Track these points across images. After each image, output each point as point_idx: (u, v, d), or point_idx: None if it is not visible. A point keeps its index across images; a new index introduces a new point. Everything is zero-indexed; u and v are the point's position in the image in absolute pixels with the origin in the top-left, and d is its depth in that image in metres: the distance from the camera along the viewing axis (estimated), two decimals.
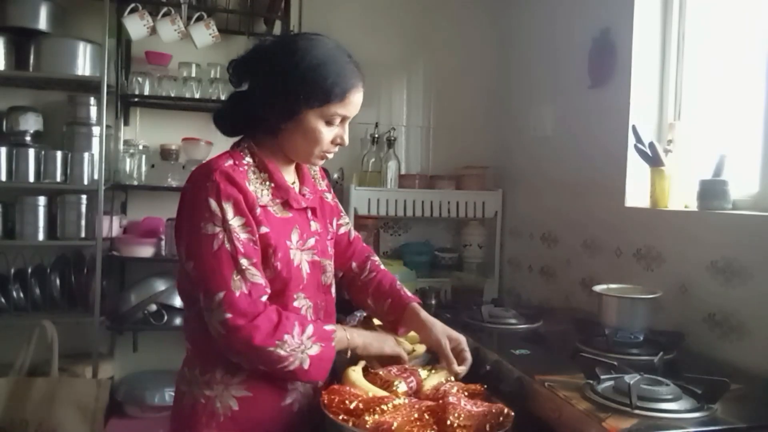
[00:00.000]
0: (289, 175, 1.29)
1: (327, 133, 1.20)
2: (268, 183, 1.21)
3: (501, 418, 1.06)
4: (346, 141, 1.24)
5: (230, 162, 1.18)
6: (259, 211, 1.16)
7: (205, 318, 1.12)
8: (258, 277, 1.13)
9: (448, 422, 1.03)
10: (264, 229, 1.16)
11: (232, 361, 1.15)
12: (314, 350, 1.14)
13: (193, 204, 1.15)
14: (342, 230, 1.45)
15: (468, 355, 1.32)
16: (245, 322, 1.08)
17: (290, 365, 1.11)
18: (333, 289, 1.35)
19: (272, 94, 1.17)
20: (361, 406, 1.09)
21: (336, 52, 1.20)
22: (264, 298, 1.13)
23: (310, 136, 1.19)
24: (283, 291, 1.19)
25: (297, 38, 1.23)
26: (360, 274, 1.45)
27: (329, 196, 1.42)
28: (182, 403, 1.22)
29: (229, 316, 1.08)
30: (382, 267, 1.48)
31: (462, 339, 1.33)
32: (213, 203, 1.12)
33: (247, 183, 1.17)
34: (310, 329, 1.15)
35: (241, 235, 1.12)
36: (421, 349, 1.41)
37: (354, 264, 1.46)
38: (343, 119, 1.21)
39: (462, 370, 1.30)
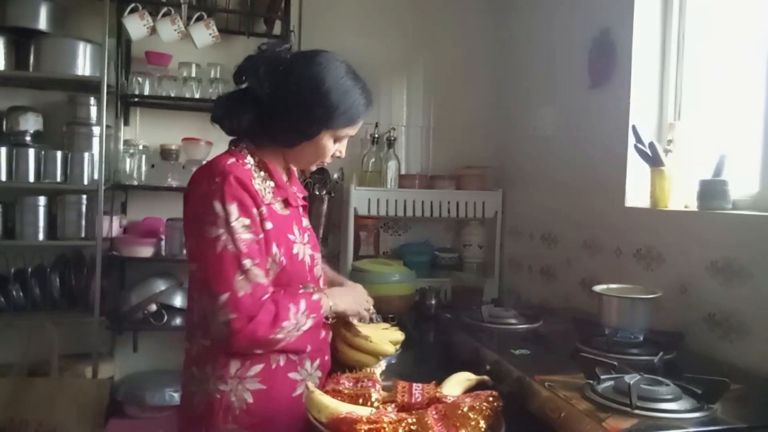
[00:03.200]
0: (283, 176, 1.36)
1: (332, 149, 1.33)
2: (269, 182, 1.27)
3: (491, 398, 1.08)
4: (344, 154, 1.37)
5: (233, 160, 1.23)
6: (264, 208, 1.22)
7: (208, 318, 1.16)
8: (260, 278, 1.17)
9: (459, 412, 1.02)
10: (268, 225, 1.22)
11: (245, 355, 1.21)
12: (308, 324, 1.24)
13: (197, 206, 1.19)
14: None
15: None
16: (248, 320, 1.13)
17: (284, 342, 1.21)
18: (321, 281, 1.42)
19: (296, 112, 1.24)
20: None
21: (356, 80, 1.30)
22: (265, 297, 1.17)
23: (320, 151, 1.31)
24: (289, 282, 1.26)
25: (319, 60, 1.27)
26: None
27: None
28: (193, 402, 1.25)
29: (233, 316, 1.12)
30: None
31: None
32: (218, 205, 1.15)
33: (252, 181, 1.22)
34: (302, 304, 1.23)
35: (244, 236, 1.16)
36: (390, 349, 1.48)
37: None
38: (347, 136, 1.34)
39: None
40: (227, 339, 1.14)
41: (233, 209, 1.16)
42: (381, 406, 1.10)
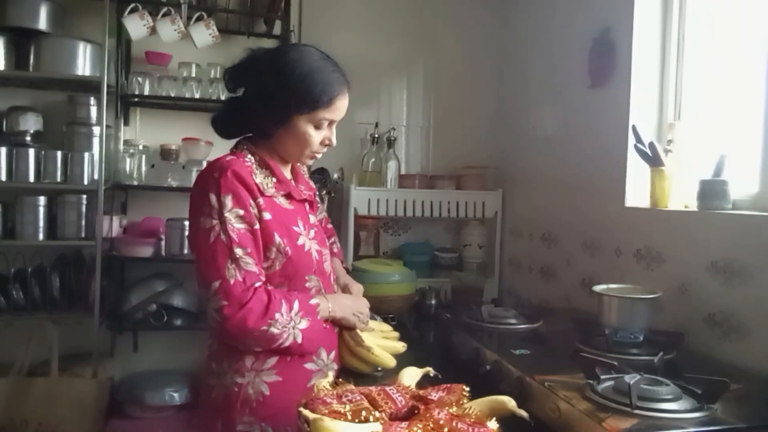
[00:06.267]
0: (286, 173, 1.39)
1: (316, 136, 1.31)
2: (270, 177, 1.31)
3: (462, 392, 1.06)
4: (334, 142, 1.35)
5: (233, 158, 1.27)
6: (262, 201, 1.25)
7: (204, 308, 1.21)
8: (251, 266, 1.20)
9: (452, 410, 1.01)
10: (267, 215, 1.25)
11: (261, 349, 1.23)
12: (303, 324, 1.24)
13: (196, 202, 1.24)
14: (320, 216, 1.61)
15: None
16: (239, 307, 1.16)
17: (285, 341, 1.22)
18: (332, 277, 1.45)
19: (265, 102, 1.27)
20: None
21: (322, 62, 1.29)
22: (257, 285, 1.20)
23: (300, 139, 1.30)
24: (295, 273, 1.29)
25: (287, 50, 1.33)
26: None
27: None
28: (212, 395, 1.28)
29: (224, 303, 1.16)
30: (335, 249, 1.64)
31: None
32: (213, 197, 1.20)
33: (253, 176, 1.26)
34: (296, 305, 1.24)
35: (237, 226, 1.20)
36: (392, 362, 1.46)
37: None
38: (330, 122, 1.32)
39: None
40: (220, 327, 1.17)
41: (227, 200, 1.19)
42: (386, 418, 1.08)
